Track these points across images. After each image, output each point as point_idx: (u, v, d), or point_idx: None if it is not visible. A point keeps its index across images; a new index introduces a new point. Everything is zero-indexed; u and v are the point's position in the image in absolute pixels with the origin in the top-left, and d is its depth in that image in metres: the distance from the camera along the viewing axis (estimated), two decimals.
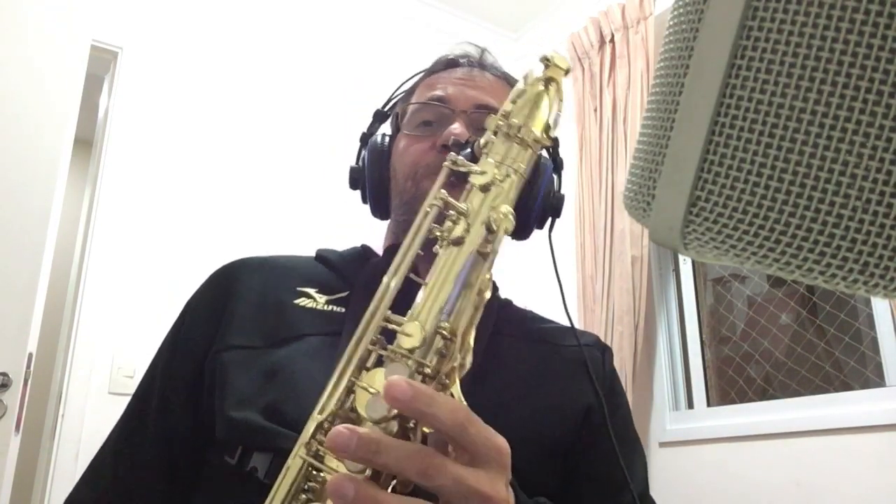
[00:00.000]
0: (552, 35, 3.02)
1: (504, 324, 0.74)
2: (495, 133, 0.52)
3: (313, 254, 0.82)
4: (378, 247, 0.82)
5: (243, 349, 0.66)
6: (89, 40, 2.01)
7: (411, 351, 0.43)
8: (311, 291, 0.73)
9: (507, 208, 0.48)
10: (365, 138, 0.83)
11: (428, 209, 0.49)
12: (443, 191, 0.49)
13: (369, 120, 0.85)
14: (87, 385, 2.06)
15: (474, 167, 0.49)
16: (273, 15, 2.69)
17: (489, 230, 0.47)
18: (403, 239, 0.79)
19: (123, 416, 0.72)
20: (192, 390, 0.67)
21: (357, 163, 0.83)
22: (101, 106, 2.47)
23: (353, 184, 0.82)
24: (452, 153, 0.52)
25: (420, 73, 0.85)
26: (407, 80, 0.85)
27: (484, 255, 0.47)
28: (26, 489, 2.17)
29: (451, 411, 0.40)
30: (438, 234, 0.48)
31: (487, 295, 0.47)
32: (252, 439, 0.60)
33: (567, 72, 0.55)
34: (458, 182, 0.51)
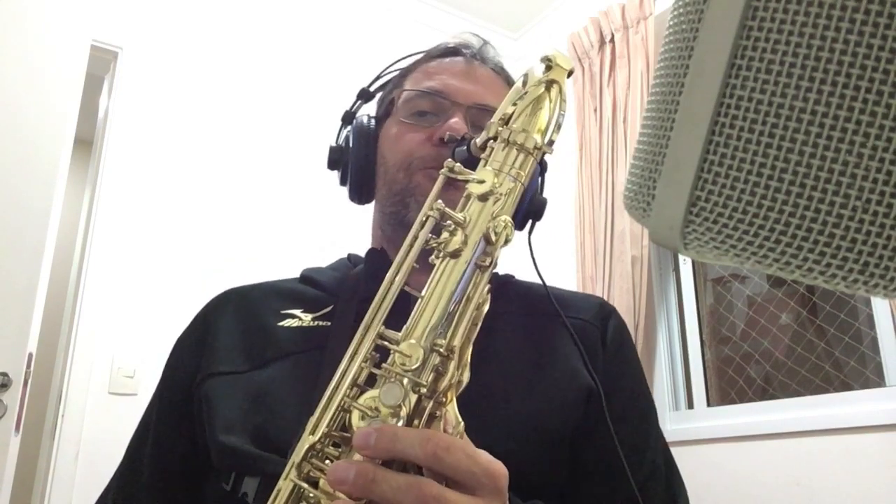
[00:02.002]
0: (552, 35, 3.02)
1: (502, 303, 0.71)
2: (494, 138, 0.50)
3: (308, 265, 0.80)
4: (368, 244, 0.81)
5: (227, 375, 0.66)
6: (89, 40, 2.01)
7: (407, 370, 0.42)
8: (297, 312, 0.71)
9: (506, 219, 0.46)
10: (348, 117, 0.80)
11: (424, 219, 0.47)
12: (440, 201, 0.47)
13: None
14: (87, 385, 2.06)
15: (472, 175, 0.48)
16: (273, 16, 2.69)
17: (488, 241, 0.45)
18: (388, 234, 0.77)
19: (126, 452, 0.72)
20: (182, 422, 0.67)
21: (337, 142, 0.80)
22: (101, 106, 2.47)
23: (332, 164, 0.79)
24: (450, 160, 0.50)
25: (415, 53, 0.82)
26: (399, 60, 0.82)
27: (482, 268, 0.45)
28: (26, 489, 2.17)
29: (422, 443, 0.39)
30: (434, 245, 0.46)
31: (485, 309, 0.46)
32: (242, 465, 0.59)
33: (570, 73, 0.52)
34: (450, 184, 0.49)
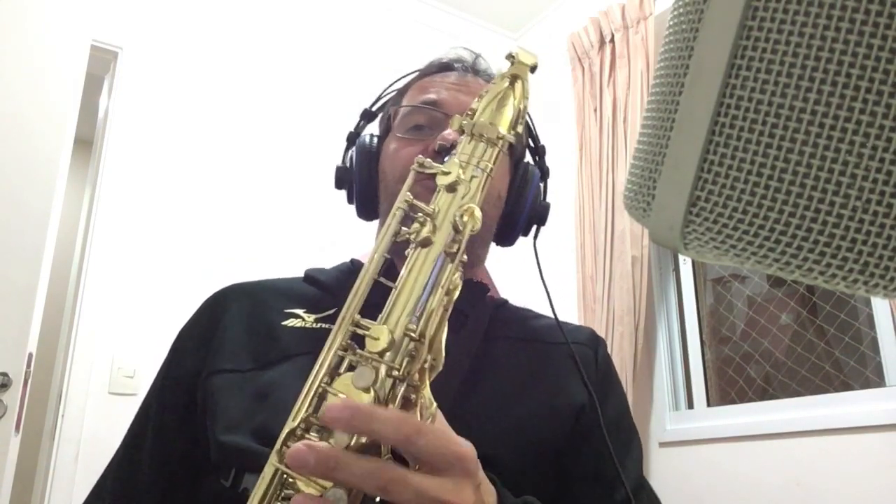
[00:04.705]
0: (552, 35, 3.02)
1: (498, 326, 0.74)
2: (461, 132, 0.52)
3: (308, 265, 0.81)
4: (368, 244, 0.82)
5: (233, 373, 0.67)
6: (89, 40, 2.01)
7: (380, 354, 0.43)
8: (300, 312, 0.72)
9: (472, 206, 0.48)
10: (352, 137, 0.82)
11: (395, 212, 0.49)
12: (408, 193, 0.49)
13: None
14: (87, 385, 2.06)
15: (440, 168, 0.50)
16: (273, 15, 2.69)
17: (456, 230, 0.47)
18: (392, 246, 0.79)
19: (123, 443, 0.73)
20: (185, 416, 0.68)
21: (343, 162, 0.82)
22: (101, 106, 2.47)
23: (339, 183, 0.81)
24: (420, 156, 0.52)
25: (411, 73, 0.84)
26: (397, 81, 0.84)
27: (451, 256, 0.47)
28: (26, 489, 2.17)
29: (396, 425, 0.40)
30: (408, 236, 0.48)
31: (456, 294, 0.48)
32: (243, 461, 0.60)
33: (533, 68, 0.55)
34: (431, 185, 0.51)
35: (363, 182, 0.78)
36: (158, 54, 2.43)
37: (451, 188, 0.49)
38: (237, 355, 0.68)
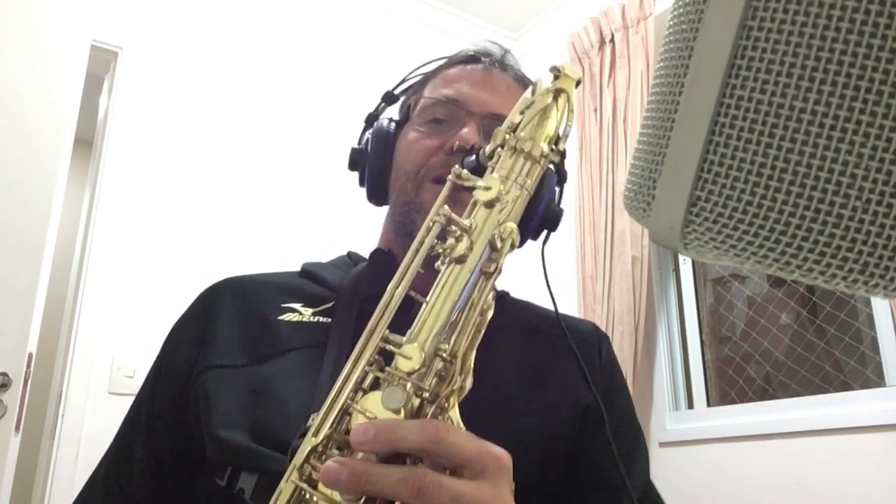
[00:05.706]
0: (552, 35, 3.02)
1: (498, 318, 0.73)
2: (502, 146, 0.50)
3: (309, 259, 0.80)
4: (374, 244, 0.81)
5: (226, 368, 0.65)
6: (89, 40, 2.01)
7: (410, 374, 0.42)
8: (297, 306, 0.71)
9: (511, 226, 0.47)
10: (371, 119, 0.81)
11: (430, 225, 0.47)
12: (446, 207, 0.47)
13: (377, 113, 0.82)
14: (87, 385, 2.06)
15: (479, 182, 0.48)
16: (273, 15, 2.69)
17: (493, 248, 0.46)
18: (395, 239, 0.78)
19: (115, 440, 0.71)
20: (177, 413, 0.67)
21: (360, 144, 0.81)
22: (101, 106, 2.47)
23: (353, 165, 0.80)
24: (457, 167, 0.50)
25: (438, 59, 0.82)
26: (422, 66, 0.82)
27: (487, 274, 0.46)
28: (26, 489, 2.17)
29: (421, 429, 0.39)
30: (440, 250, 0.46)
31: (489, 315, 0.46)
32: (239, 460, 0.59)
33: (578, 83, 0.53)
34: (458, 192, 0.49)
35: (376, 167, 0.76)
36: (158, 54, 2.43)
37: (490, 204, 0.47)
38: (231, 350, 0.67)
